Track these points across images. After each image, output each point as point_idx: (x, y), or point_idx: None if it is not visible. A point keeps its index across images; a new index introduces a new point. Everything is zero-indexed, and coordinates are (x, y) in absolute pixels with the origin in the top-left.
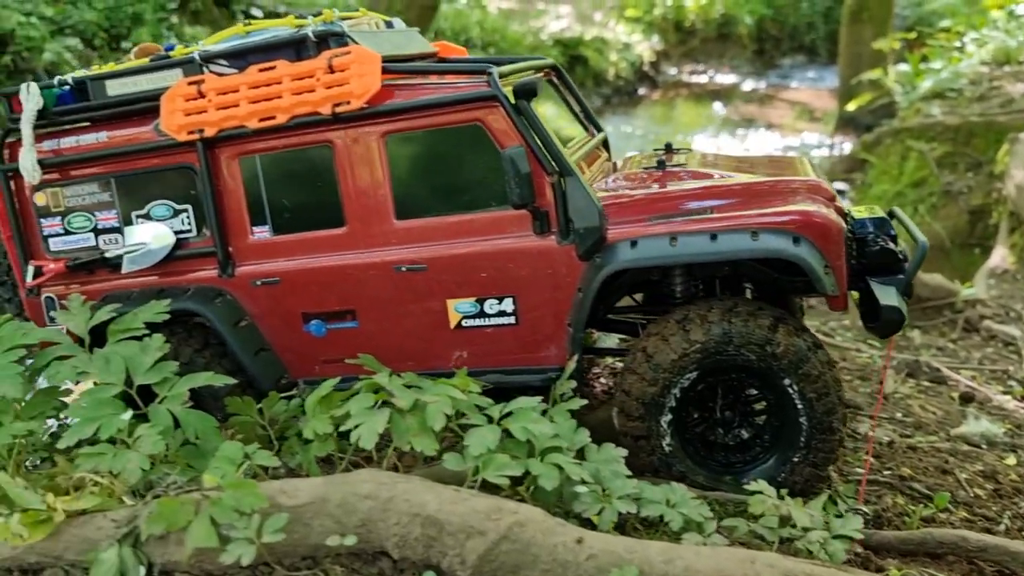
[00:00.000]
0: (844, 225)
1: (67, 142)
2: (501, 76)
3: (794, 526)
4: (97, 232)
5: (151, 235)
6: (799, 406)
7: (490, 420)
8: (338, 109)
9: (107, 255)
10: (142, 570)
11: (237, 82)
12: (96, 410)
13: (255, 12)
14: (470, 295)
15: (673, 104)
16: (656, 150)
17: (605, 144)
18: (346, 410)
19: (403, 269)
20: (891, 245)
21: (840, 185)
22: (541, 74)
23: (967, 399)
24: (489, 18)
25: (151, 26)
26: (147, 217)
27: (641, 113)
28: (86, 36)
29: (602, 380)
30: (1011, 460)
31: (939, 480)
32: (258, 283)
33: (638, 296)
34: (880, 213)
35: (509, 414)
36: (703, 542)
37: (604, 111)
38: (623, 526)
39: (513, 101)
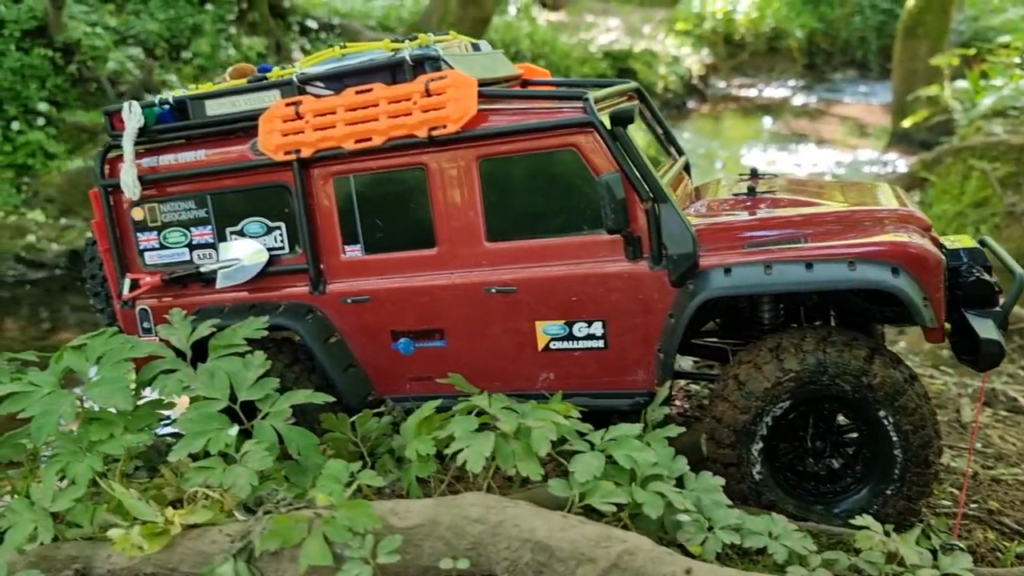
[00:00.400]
0: (942, 256)
1: (165, 159)
2: (595, 102)
3: (900, 563)
4: (192, 247)
5: (245, 252)
6: (894, 439)
7: (592, 446)
8: (434, 132)
9: (202, 270)
10: None
11: (334, 104)
12: (203, 424)
13: (309, 23)
14: (559, 318)
15: (722, 117)
16: (741, 175)
17: (686, 168)
18: (449, 432)
19: (493, 291)
20: (986, 276)
21: None
22: (625, 98)
23: None
24: (539, 30)
25: (210, 37)
26: (241, 234)
27: (690, 126)
28: (147, 46)
29: (676, 403)
30: None
31: None
32: (348, 301)
33: (716, 320)
34: (972, 243)
35: (611, 440)
36: None
37: None
38: (720, 556)
39: (610, 127)
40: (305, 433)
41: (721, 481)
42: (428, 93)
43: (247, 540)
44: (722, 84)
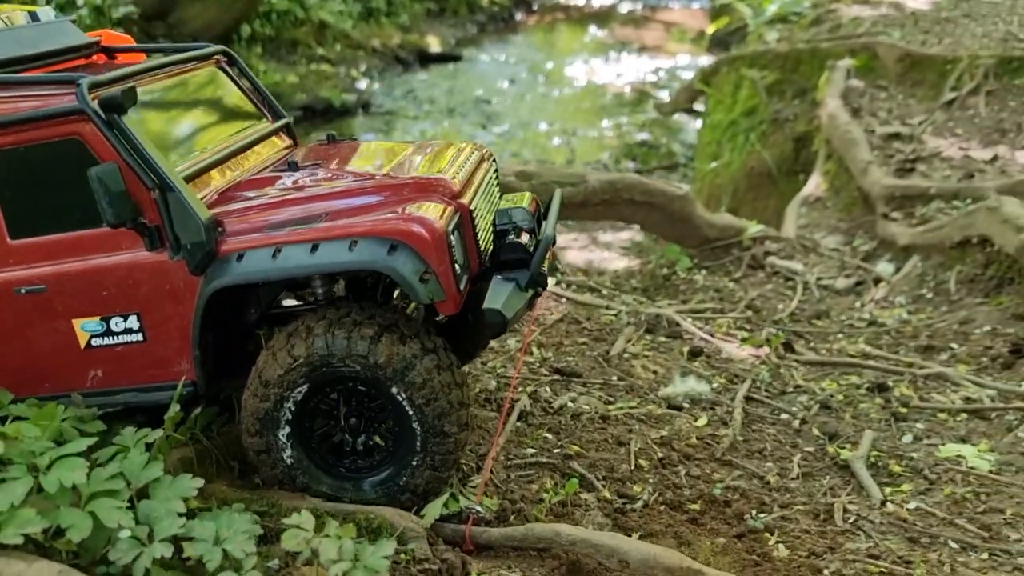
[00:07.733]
0: (445, 228)
1: None
2: (98, 86)
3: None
4: None
5: None
6: (410, 412)
7: (34, 469)
8: None
9: None
10: None
11: None
12: None
13: None
14: (95, 314)
15: (551, 29)
16: (319, 142)
17: (288, 130)
18: None
19: (23, 291)
20: (521, 239)
21: (684, 116)
22: (168, 74)
23: (695, 353)
24: None
25: None
26: None
27: (518, 40)
28: None
29: None
30: (701, 421)
31: (612, 454)
32: None
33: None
34: (526, 204)
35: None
36: None
37: (480, 39)
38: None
39: (104, 115)
40: None
41: (200, 483)
42: None
43: None
44: None
